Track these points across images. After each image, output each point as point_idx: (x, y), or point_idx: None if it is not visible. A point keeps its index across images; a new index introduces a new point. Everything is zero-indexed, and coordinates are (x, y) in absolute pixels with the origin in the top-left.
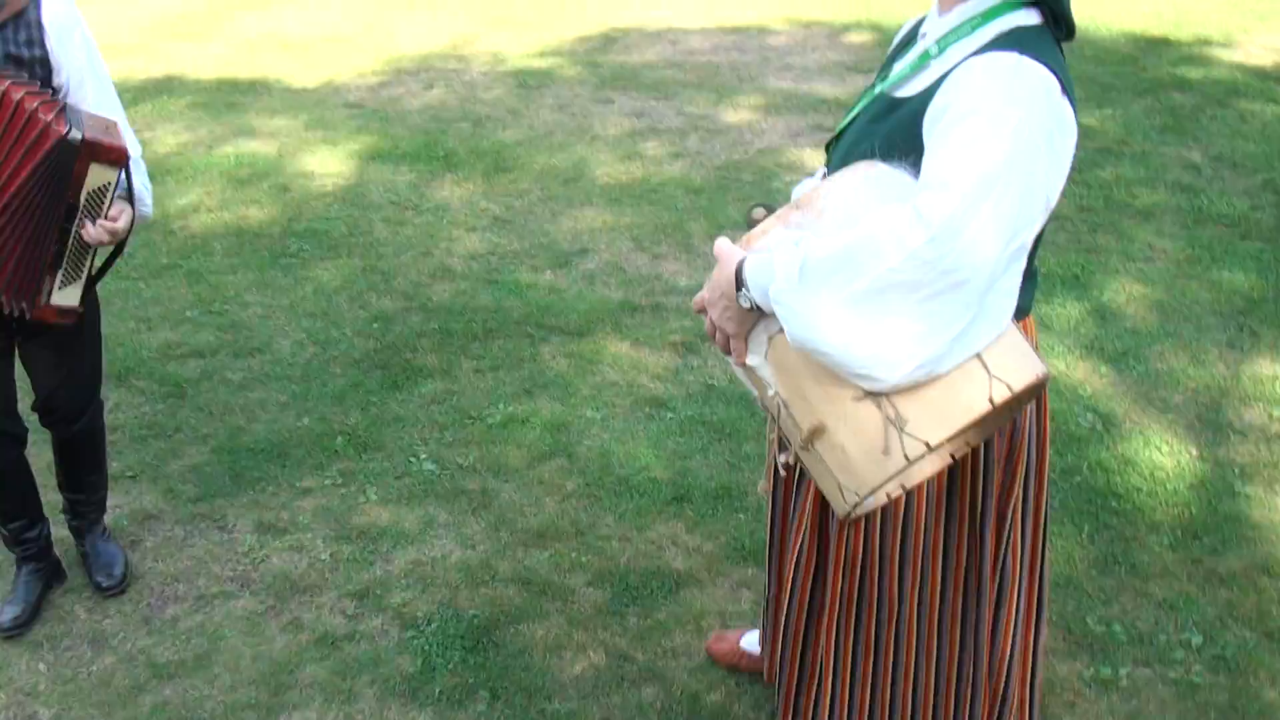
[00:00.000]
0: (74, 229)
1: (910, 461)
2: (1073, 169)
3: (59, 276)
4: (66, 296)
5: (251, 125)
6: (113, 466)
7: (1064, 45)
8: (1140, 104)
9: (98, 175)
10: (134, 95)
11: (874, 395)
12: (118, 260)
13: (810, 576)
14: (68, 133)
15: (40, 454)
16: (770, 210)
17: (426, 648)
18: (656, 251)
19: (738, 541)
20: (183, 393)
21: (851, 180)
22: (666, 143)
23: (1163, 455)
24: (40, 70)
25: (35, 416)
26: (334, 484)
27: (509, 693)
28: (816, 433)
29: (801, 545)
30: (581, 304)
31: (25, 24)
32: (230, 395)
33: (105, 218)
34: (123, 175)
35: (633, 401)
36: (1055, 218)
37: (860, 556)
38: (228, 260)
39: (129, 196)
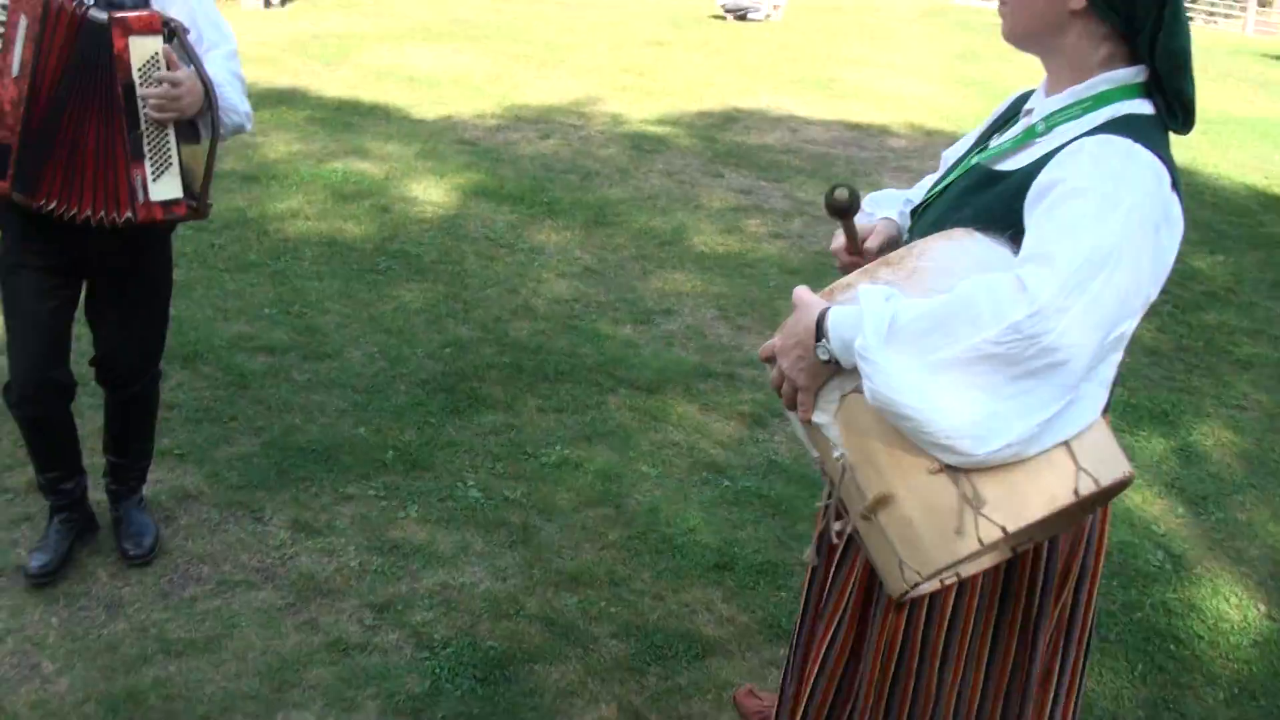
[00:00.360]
0: (141, 109)
1: (983, 546)
2: (1172, 274)
3: (148, 167)
4: (165, 189)
5: (364, 146)
6: (163, 443)
7: (1183, 184)
8: (1254, 256)
9: (141, 48)
10: (255, 102)
11: (952, 470)
12: (218, 151)
13: (844, 660)
14: (86, 11)
15: (92, 418)
16: (853, 192)
17: (438, 670)
18: (740, 323)
19: (774, 619)
20: (245, 384)
21: (947, 245)
22: (769, 222)
23: (1229, 606)
24: None
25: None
26: (377, 495)
27: None
28: (882, 502)
29: (840, 623)
30: (656, 362)
31: None
32: (291, 394)
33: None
34: (174, 41)
35: (691, 464)
36: (1151, 353)
37: (900, 642)
38: (315, 267)
39: (203, 80)
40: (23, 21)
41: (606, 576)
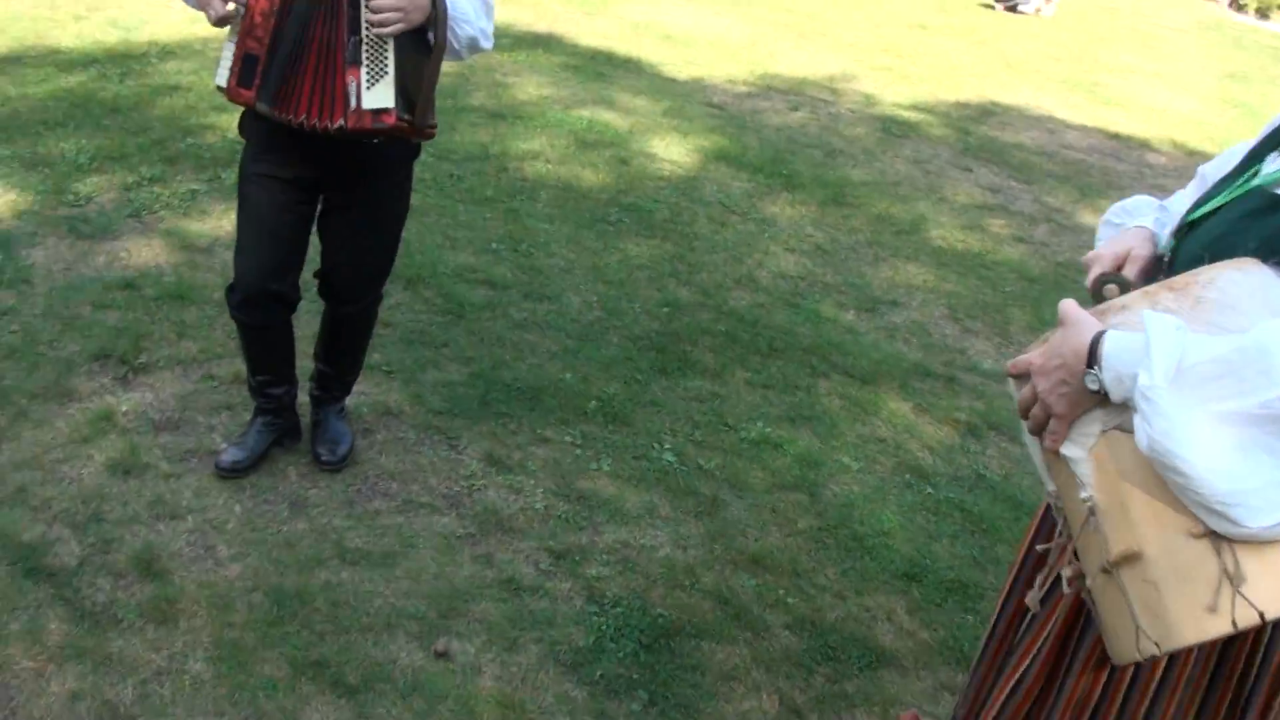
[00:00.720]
0: (364, 15)
1: (1237, 629)
2: None
3: (363, 74)
4: (377, 97)
5: (613, 97)
6: (373, 358)
7: None
8: None
9: None
10: (513, 42)
11: (1216, 537)
12: (445, 69)
13: (1029, 701)
14: None
15: (309, 322)
16: (1124, 288)
17: (604, 628)
18: (969, 326)
19: (957, 641)
20: (462, 313)
21: (1238, 276)
22: (1014, 225)
23: None
24: None
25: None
26: (573, 443)
27: (667, 703)
28: (1129, 559)
29: (1033, 661)
30: (875, 353)
31: None
32: (506, 330)
33: None
34: None
35: (895, 464)
36: None
37: (1097, 700)
38: (548, 210)
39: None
40: None
41: (789, 565)
